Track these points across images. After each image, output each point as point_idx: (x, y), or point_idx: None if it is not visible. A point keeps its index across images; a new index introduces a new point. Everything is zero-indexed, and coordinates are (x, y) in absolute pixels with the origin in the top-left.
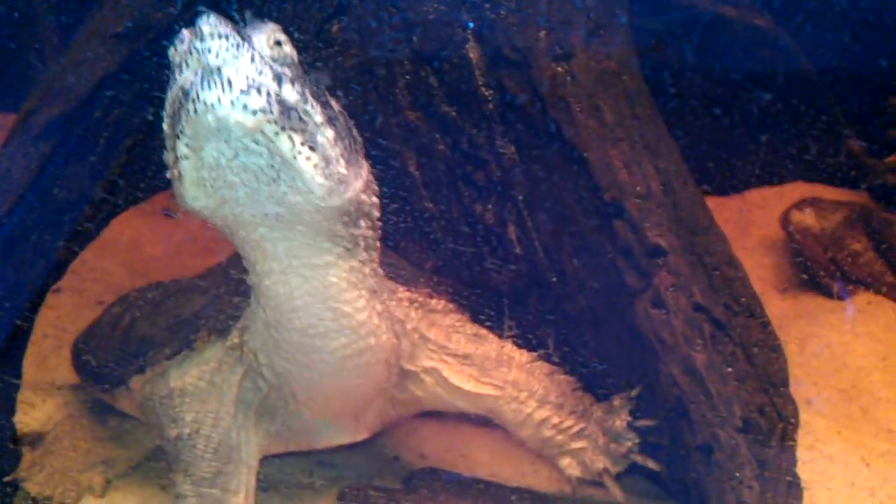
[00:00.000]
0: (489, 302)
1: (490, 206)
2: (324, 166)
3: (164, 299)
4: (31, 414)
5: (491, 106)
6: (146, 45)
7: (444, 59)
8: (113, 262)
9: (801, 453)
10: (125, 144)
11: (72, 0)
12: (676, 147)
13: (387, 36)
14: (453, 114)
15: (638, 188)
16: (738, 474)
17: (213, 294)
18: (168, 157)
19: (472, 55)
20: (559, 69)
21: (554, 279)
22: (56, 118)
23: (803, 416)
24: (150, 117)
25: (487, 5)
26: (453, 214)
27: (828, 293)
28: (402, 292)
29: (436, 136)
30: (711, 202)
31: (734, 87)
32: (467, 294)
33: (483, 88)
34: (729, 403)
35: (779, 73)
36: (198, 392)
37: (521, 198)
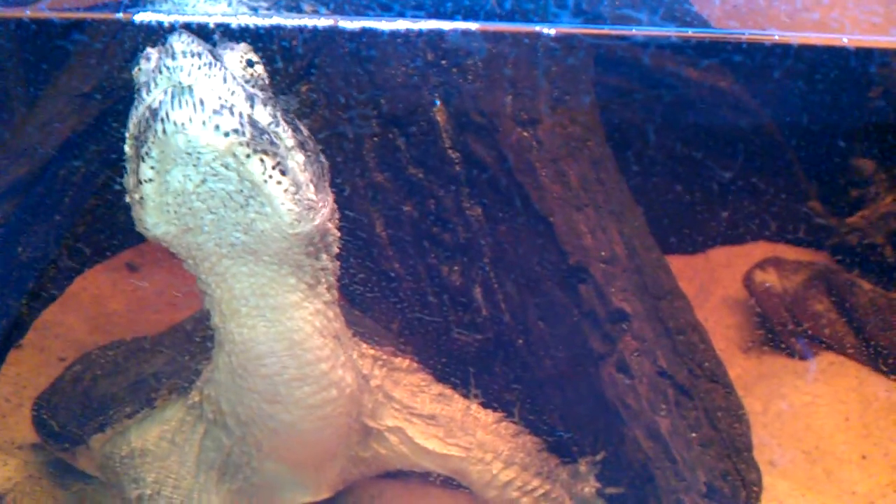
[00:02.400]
0: (455, 363)
1: (456, 268)
2: (294, 191)
3: (125, 358)
4: None
5: (458, 168)
6: (113, 104)
7: (412, 121)
8: (75, 318)
9: None
10: (90, 203)
11: (40, 58)
12: (641, 212)
13: (355, 98)
14: (420, 176)
15: (602, 253)
16: None
17: (175, 353)
18: (129, 180)
19: (439, 118)
20: (525, 134)
21: (520, 341)
22: (21, 177)
23: (767, 478)
24: (116, 177)
25: (455, 69)
26: (420, 276)
27: (791, 353)
28: (367, 350)
29: (403, 198)
30: (675, 261)
31: (698, 147)
32: (433, 355)
33: (450, 151)
34: (693, 469)
35: (741, 134)
36: (159, 452)
37: (487, 260)
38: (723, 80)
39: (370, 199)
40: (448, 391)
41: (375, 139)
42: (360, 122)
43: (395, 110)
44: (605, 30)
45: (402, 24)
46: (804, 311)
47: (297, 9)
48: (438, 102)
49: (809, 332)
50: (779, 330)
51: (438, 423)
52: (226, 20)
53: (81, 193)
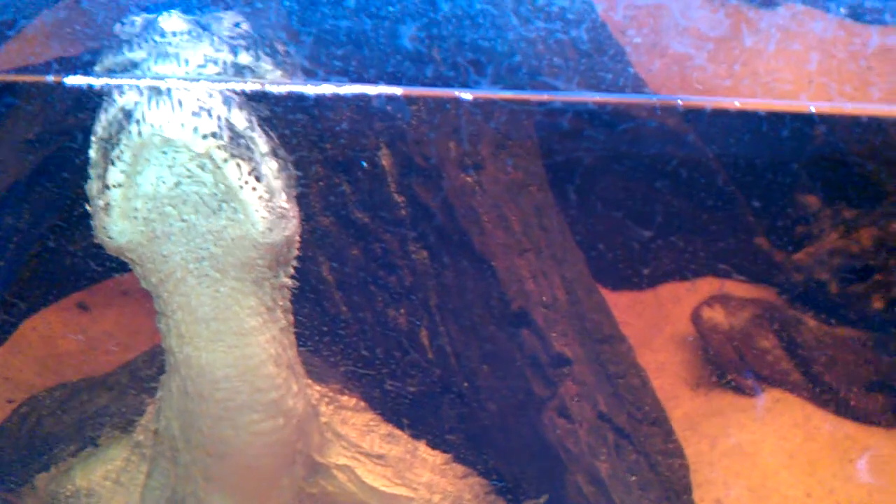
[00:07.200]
0: (401, 404)
1: (403, 311)
2: (268, 199)
3: (70, 397)
4: None
5: (403, 212)
6: (57, 150)
7: (357, 165)
8: (23, 359)
9: None
10: (35, 249)
11: None
12: (582, 256)
13: (300, 142)
14: (366, 220)
15: (544, 298)
16: None
17: (119, 391)
18: (92, 186)
19: (384, 162)
20: (468, 179)
21: (465, 384)
22: None
23: None
24: (61, 222)
25: (399, 114)
26: (366, 319)
27: (738, 390)
28: (314, 387)
29: (349, 242)
30: (624, 297)
31: (645, 184)
32: (380, 396)
33: (395, 195)
34: None
35: (689, 171)
36: (104, 492)
37: (433, 303)
38: (670, 118)
39: (316, 242)
40: (396, 431)
41: (321, 183)
42: (304, 167)
43: (341, 155)
44: (522, 95)
45: (327, 89)
46: (750, 347)
47: (273, 51)
48: (383, 147)
49: (756, 368)
50: (726, 367)
51: (387, 462)
52: (159, 83)
53: (27, 238)
